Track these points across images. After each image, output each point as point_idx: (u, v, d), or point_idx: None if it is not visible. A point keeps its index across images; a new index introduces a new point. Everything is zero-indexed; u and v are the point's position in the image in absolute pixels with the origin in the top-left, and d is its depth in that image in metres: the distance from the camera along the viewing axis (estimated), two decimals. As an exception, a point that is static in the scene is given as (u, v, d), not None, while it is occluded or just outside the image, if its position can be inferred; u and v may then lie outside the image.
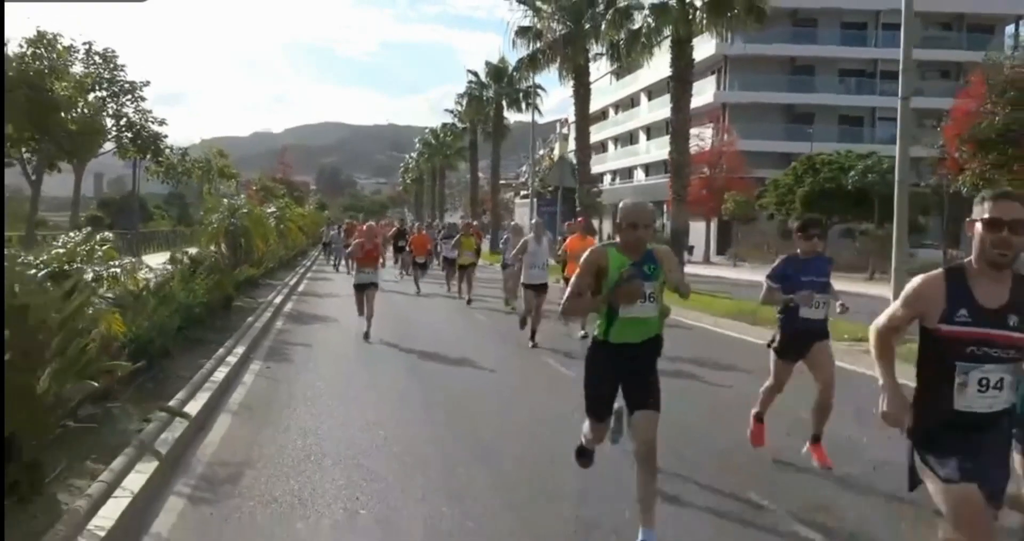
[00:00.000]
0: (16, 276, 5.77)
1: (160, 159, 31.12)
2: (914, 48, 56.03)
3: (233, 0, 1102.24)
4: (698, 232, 56.70)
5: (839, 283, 8.73)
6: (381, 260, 16.83)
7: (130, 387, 8.64)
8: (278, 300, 22.08)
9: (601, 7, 32.47)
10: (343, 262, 34.48)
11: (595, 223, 60.75)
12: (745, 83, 69.48)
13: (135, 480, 6.49)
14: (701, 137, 59.23)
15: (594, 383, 5.94)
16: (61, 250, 7.97)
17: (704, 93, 69.30)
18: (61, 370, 6.08)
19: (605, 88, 78.61)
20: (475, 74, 63.80)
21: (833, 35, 69.45)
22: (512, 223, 22.92)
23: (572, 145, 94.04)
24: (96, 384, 6.38)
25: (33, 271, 6.55)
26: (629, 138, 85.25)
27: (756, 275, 20.42)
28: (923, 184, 41.88)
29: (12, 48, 22.06)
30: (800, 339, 7.73)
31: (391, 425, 9.14)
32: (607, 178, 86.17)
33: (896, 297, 12.13)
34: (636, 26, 29.88)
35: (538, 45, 36.25)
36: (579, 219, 21.27)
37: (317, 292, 26.67)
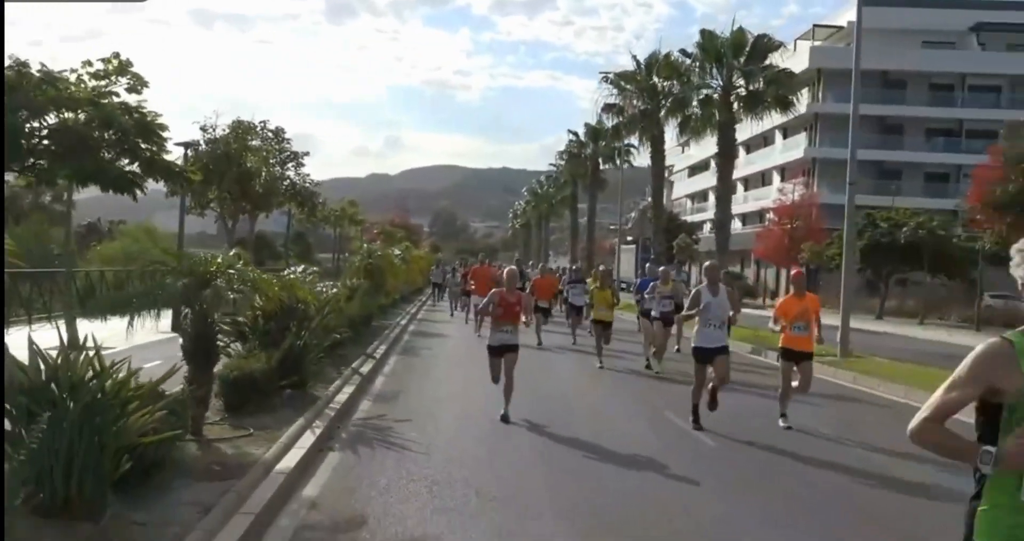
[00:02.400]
0: (294, 281, 12.45)
1: (317, 214, 39.34)
2: (1001, 109, 60.77)
3: (347, 46, 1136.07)
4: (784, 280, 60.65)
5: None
6: (525, 318, 12.97)
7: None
8: (404, 322, 29.29)
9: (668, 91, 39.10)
10: (458, 307, 33.98)
11: (685, 268, 66.67)
12: (835, 140, 73.50)
13: (347, 391, 13.31)
14: (784, 191, 63.85)
15: None
16: (297, 272, 14.70)
17: (796, 148, 74.62)
18: (318, 329, 13.02)
19: (709, 139, 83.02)
20: (575, 133, 71.02)
21: (921, 96, 72.87)
22: (660, 268, 20.19)
23: (675, 193, 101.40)
24: (338, 336, 13.33)
25: (296, 277, 13.25)
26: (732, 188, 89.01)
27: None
28: (961, 237, 46.71)
29: (219, 132, 30.76)
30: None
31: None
32: (707, 226, 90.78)
33: (844, 321, 18.34)
34: (688, 113, 36.65)
35: (621, 119, 43.10)
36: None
37: (433, 318, 33.66)
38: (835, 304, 31.87)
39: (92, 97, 12.86)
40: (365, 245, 30.10)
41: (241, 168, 28.81)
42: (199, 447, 8.84)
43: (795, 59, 65.40)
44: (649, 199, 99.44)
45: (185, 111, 78.65)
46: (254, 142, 32.38)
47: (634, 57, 42.46)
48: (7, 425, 6.12)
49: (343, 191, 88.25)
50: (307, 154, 37.26)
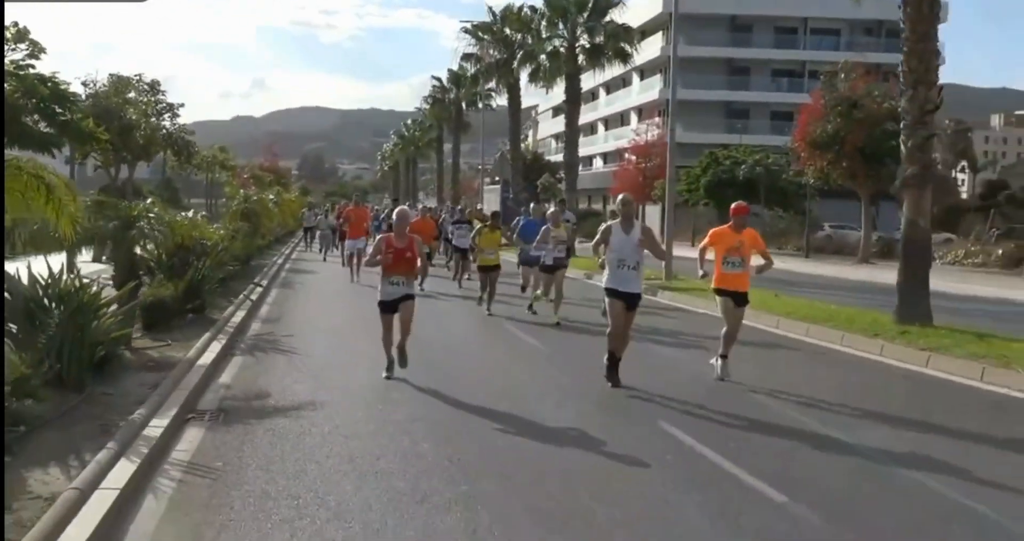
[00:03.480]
0: (202, 223, 14.93)
1: (193, 161, 41.09)
2: (841, 51, 65.42)
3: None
4: (652, 216, 63.42)
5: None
6: (420, 265, 11.36)
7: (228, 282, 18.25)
8: (280, 261, 31.74)
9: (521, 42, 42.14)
10: (332, 250, 34.52)
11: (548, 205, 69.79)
12: (687, 82, 77.22)
13: (239, 315, 15.92)
14: (638, 132, 67.33)
15: None
16: (188, 215, 17.08)
17: (651, 90, 78.27)
18: (213, 263, 15.56)
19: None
20: (439, 79, 73.49)
21: (767, 39, 77.11)
22: (550, 209, 18.43)
23: (540, 133, 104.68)
24: (231, 268, 15.90)
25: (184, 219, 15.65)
26: (590, 128, 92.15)
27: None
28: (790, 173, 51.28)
29: (100, 87, 32.22)
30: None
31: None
32: None
33: (668, 247, 21.66)
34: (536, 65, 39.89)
35: (479, 67, 45.97)
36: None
37: (305, 258, 36.11)
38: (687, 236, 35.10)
39: (13, 70, 14.88)
40: (241, 191, 32.07)
41: (122, 120, 30.59)
42: (131, 353, 11.40)
43: (650, 4, 68.85)
44: (504, 143, 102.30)
45: (56, 57, 77.17)
46: (131, 94, 34.00)
47: (490, 9, 45.55)
48: (13, 327, 8.65)
49: (208, 134, 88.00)
50: (182, 105, 38.89)
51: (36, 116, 14.91)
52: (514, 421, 9.01)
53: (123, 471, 6.64)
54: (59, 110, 15.15)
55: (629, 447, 7.99)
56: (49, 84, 15.03)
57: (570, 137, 39.67)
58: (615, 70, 42.75)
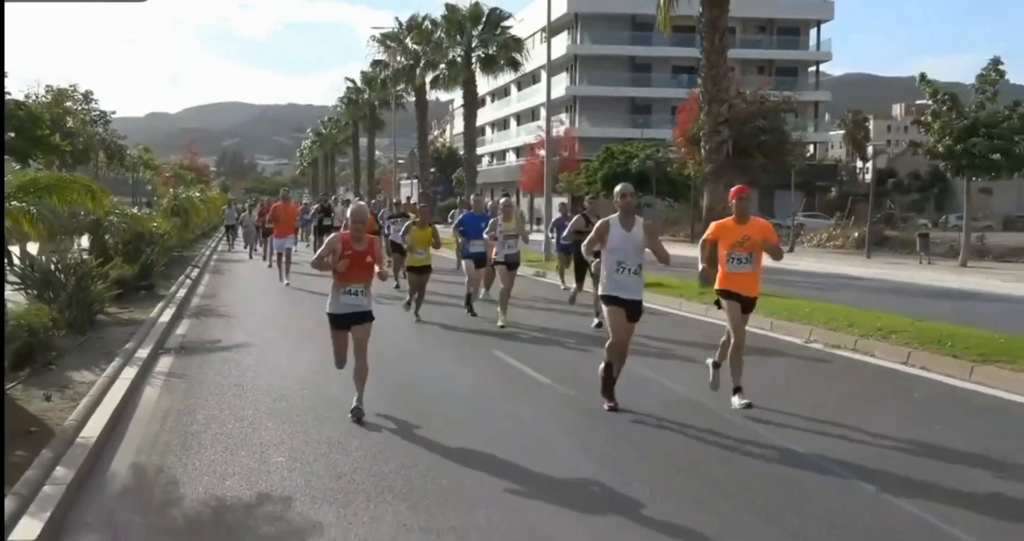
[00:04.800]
0: (157, 217, 18.59)
1: (124, 163, 44.60)
2: (733, 48, 70.61)
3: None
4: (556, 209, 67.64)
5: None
6: (380, 270, 9.47)
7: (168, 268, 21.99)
8: (208, 252, 35.49)
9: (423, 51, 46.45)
10: (257, 248, 33.63)
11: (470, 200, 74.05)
12: (593, 79, 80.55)
13: (182, 292, 19.70)
14: (541, 127, 71.28)
15: None
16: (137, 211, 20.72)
17: (559, 86, 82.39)
18: (160, 250, 19.34)
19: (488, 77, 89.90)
20: (352, 81, 77.36)
21: (666, 38, 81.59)
22: (502, 199, 17.40)
23: (456, 128, 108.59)
24: (175, 254, 19.72)
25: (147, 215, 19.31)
26: (503, 124, 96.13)
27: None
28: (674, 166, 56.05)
29: (40, 98, 35.56)
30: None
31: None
32: (485, 160, 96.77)
33: (546, 234, 25.66)
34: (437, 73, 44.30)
35: (387, 73, 50.11)
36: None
37: (228, 257, 39.81)
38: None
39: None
40: (171, 190, 35.56)
41: (63, 129, 33.91)
42: (106, 315, 15.18)
43: (555, 4, 72.87)
44: (433, 134, 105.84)
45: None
46: (68, 104, 37.29)
47: (396, 19, 49.70)
48: (33, 292, 12.43)
49: (122, 132, 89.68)
50: (114, 112, 42.22)
51: (13, 134, 18.40)
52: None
53: (128, 373, 10.54)
54: (34, 130, 18.75)
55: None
56: (23, 108, 18.64)
57: (468, 137, 44.14)
58: (508, 76, 46.97)
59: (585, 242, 9.67)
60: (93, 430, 7.97)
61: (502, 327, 14.96)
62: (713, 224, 9.79)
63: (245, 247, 36.29)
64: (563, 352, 13.28)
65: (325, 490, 6.72)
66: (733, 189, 9.54)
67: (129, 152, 49.34)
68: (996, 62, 32.13)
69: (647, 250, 9.33)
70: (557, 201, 34.64)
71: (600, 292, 9.68)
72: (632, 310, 9.19)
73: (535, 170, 67.16)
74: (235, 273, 27.85)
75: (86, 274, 12.54)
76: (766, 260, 9.70)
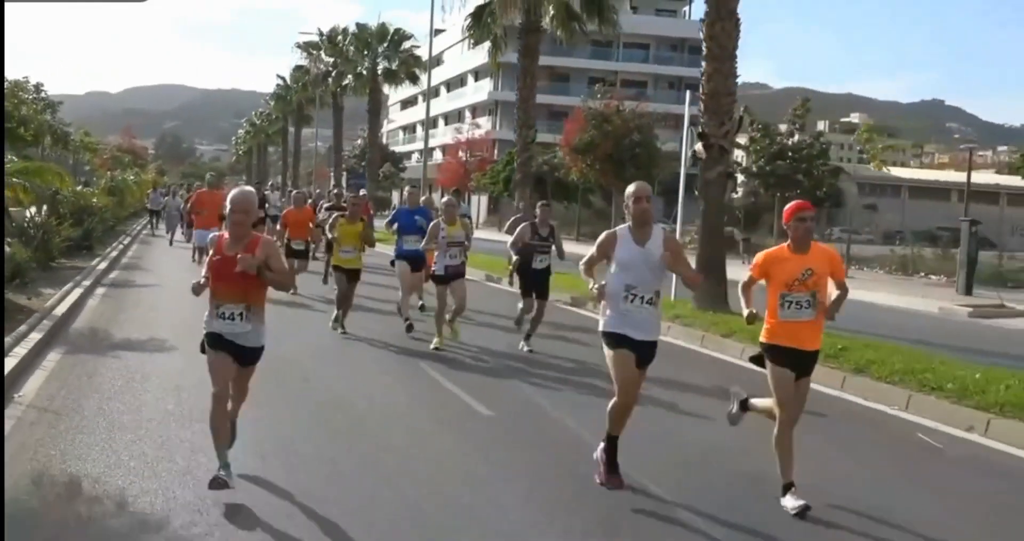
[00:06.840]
0: (98, 192, 24.47)
1: (68, 148, 49.99)
2: (649, 64, 78.24)
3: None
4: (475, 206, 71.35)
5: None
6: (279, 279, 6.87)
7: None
8: (138, 228, 41.45)
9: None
10: (177, 233, 32.04)
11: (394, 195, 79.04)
12: (514, 86, 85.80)
13: (115, 252, 25.77)
14: (459, 130, 76.88)
15: None
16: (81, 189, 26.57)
17: (482, 91, 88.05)
18: (100, 219, 25.48)
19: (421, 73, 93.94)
20: (283, 78, 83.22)
21: (584, 51, 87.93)
22: (444, 198, 14.28)
23: (387, 125, 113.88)
24: (112, 224, 25.84)
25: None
26: (432, 123, 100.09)
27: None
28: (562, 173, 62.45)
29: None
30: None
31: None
32: (415, 156, 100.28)
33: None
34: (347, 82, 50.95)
35: (309, 78, 56.54)
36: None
37: (150, 241, 45.49)
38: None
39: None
40: (109, 173, 41.25)
41: (17, 117, 39.27)
42: (57, 264, 21.18)
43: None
44: (363, 130, 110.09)
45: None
46: (22, 94, 42.65)
47: (319, 30, 56.10)
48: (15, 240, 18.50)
49: (61, 111, 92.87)
50: (61, 103, 47.64)
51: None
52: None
53: (79, 289, 16.68)
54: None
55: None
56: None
57: (372, 141, 50.73)
58: (409, 89, 53.37)
59: (584, 262, 7.25)
60: (58, 312, 14.14)
61: (436, 349, 12.55)
62: (760, 255, 7.00)
63: (167, 231, 34.45)
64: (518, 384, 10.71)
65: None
66: (790, 205, 6.84)
67: (72, 137, 54.48)
68: (806, 99, 39.27)
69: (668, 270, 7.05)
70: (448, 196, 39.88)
71: (600, 327, 7.00)
72: (645, 354, 6.87)
73: (452, 169, 72.54)
74: (161, 243, 33.38)
75: (48, 230, 18.61)
76: None
